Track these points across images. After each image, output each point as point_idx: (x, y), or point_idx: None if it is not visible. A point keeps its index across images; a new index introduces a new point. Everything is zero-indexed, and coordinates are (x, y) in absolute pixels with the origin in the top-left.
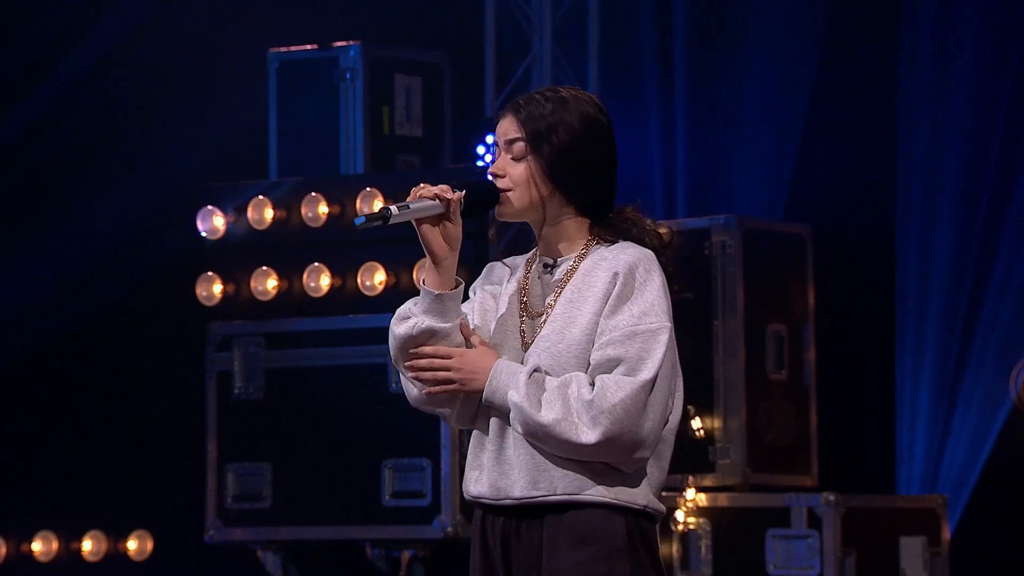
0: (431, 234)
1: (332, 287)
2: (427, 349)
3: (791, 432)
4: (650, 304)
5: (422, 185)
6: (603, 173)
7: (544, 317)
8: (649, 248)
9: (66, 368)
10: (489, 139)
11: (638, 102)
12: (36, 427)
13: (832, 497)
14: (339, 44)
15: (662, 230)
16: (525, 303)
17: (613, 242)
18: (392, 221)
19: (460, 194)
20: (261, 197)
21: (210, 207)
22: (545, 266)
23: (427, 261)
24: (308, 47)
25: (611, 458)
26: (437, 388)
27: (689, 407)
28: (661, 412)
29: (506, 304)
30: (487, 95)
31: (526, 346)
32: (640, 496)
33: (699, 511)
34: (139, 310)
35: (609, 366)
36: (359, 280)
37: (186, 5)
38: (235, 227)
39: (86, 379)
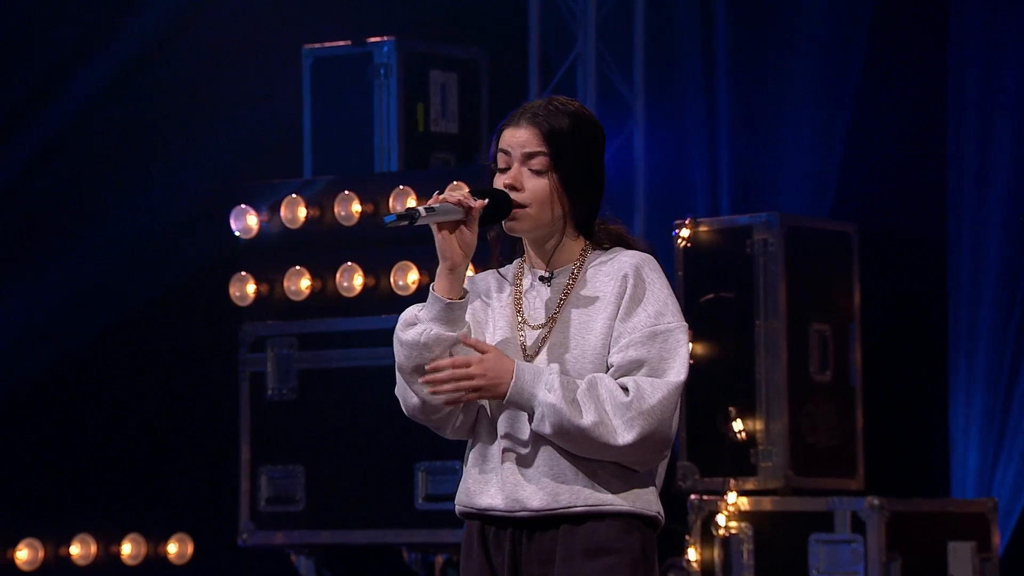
0: (448, 240)
1: (365, 287)
2: (445, 361)
3: (836, 434)
4: (663, 303)
5: (455, 183)
6: (600, 190)
7: (549, 327)
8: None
9: (101, 370)
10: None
11: (681, 98)
12: (72, 429)
13: (876, 501)
14: (373, 40)
15: (644, 241)
16: (522, 314)
17: (607, 249)
18: (418, 223)
19: (482, 202)
20: (294, 196)
21: (243, 206)
22: (541, 278)
23: (440, 267)
24: (342, 43)
25: (639, 459)
26: (464, 397)
27: (731, 408)
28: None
29: (501, 316)
30: (531, 92)
31: (528, 357)
32: (654, 503)
33: (741, 515)
34: (173, 311)
35: (632, 368)
36: (392, 279)
37: (221, 2)
38: (268, 226)
39: (121, 380)
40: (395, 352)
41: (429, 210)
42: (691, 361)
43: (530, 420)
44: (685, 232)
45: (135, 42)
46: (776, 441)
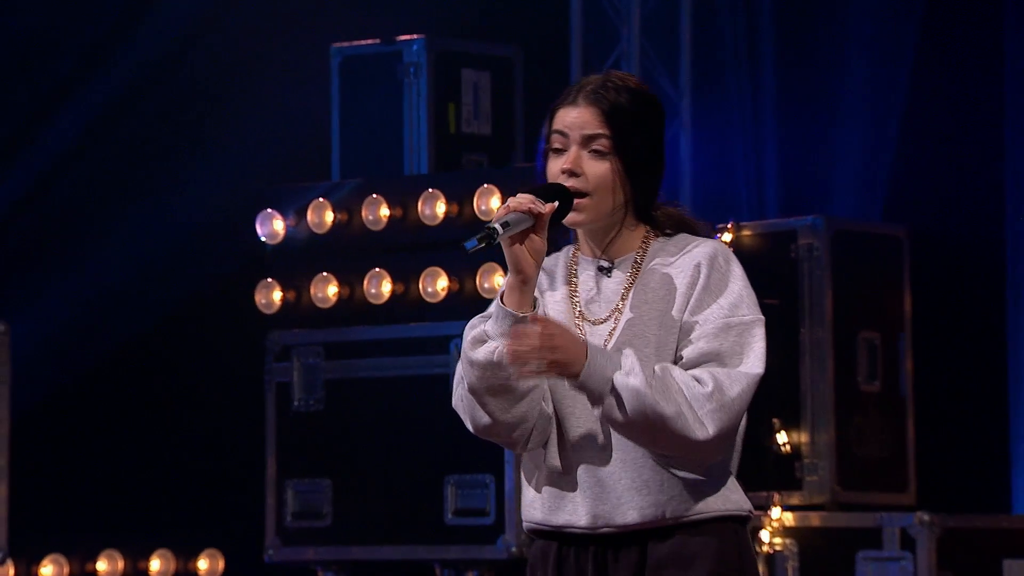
0: (520, 251)
1: (393, 293)
2: (532, 328)
3: (885, 447)
4: (739, 295)
5: (521, 196)
6: (661, 175)
7: (614, 322)
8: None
9: (124, 382)
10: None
11: (726, 96)
12: (96, 442)
13: (927, 517)
14: (403, 38)
15: (707, 225)
16: (580, 310)
17: (670, 235)
18: (498, 240)
19: (552, 205)
20: (321, 199)
21: (269, 210)
22: (600, 269)
23: (509, 279)
24: (371, 41)
25: (712, 456)
26: (544, 371)
27: (775, 420)
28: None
29: (555, 312)
30: None
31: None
32: (743, 499)
33: (785, 531)
34: (198, 319)
35: (703, 360)
36: (421, 286)
37: (246, 0)
38: (295, 231)
39: (145, 392)
40: (464, 372)
41: (505, 225)
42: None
43: (593, 405)
44: (727, 236)
45: (159, 42)
46: (822, 454)
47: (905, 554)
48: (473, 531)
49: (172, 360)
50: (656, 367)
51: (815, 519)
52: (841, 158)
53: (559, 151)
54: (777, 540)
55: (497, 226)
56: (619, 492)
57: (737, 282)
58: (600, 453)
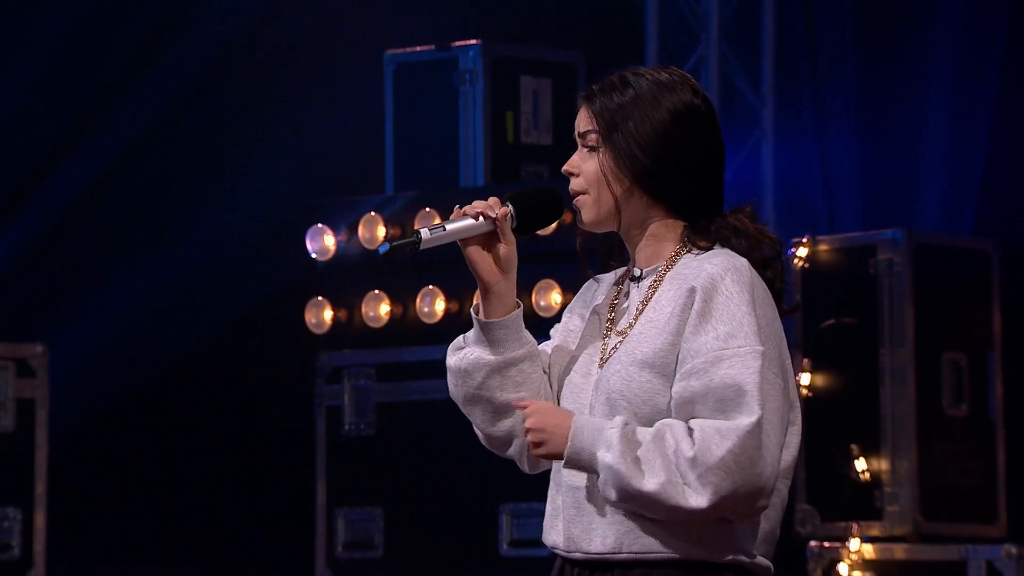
0: (478, 257)
1: (447, 312)
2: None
3: (972, 475)
4: (739, 322)
5: (478, 201)
6: (697, 167)
7: (623, 336)
8: (747, 257)
9: (169, 407)
10: None
11: (808, 103)
12: (140, 469)
13: (1015, 549)
14: (459, 43)
15: (773, 237)
16: (611, 320)
17: (706, 249)
18: (424, 246)
19: (505, 209)
20: (373, 214)
21: (320, 225)
22: (633, 278)
23: (479, 287)
24: (425, 48)
25: (731, 515)
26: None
27: (853, 446)
28: (777, 451)
29: (593, 322)
30: None
31: (604, 364)
32: (725, 549)
33: (865, 564)
34: (246, 339)
35: (692, 401)
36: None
37: (298, 5)
38: (347, 247)
39: (191, 416)
40: (448, 379)
41: (436, 229)
42: (805, 393)
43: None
44: (802, 251)
45: (208, 52)
46: (903, 482)
47: None
48: (529, 562)
49: (217, 383)
50: (655, 428)
51: (896, 551)
52: (928, 169)
53: None
54: (856, 574)
55: (423, 231)
56: (591, 517)
57: (741, 307)
58: (580, 475)
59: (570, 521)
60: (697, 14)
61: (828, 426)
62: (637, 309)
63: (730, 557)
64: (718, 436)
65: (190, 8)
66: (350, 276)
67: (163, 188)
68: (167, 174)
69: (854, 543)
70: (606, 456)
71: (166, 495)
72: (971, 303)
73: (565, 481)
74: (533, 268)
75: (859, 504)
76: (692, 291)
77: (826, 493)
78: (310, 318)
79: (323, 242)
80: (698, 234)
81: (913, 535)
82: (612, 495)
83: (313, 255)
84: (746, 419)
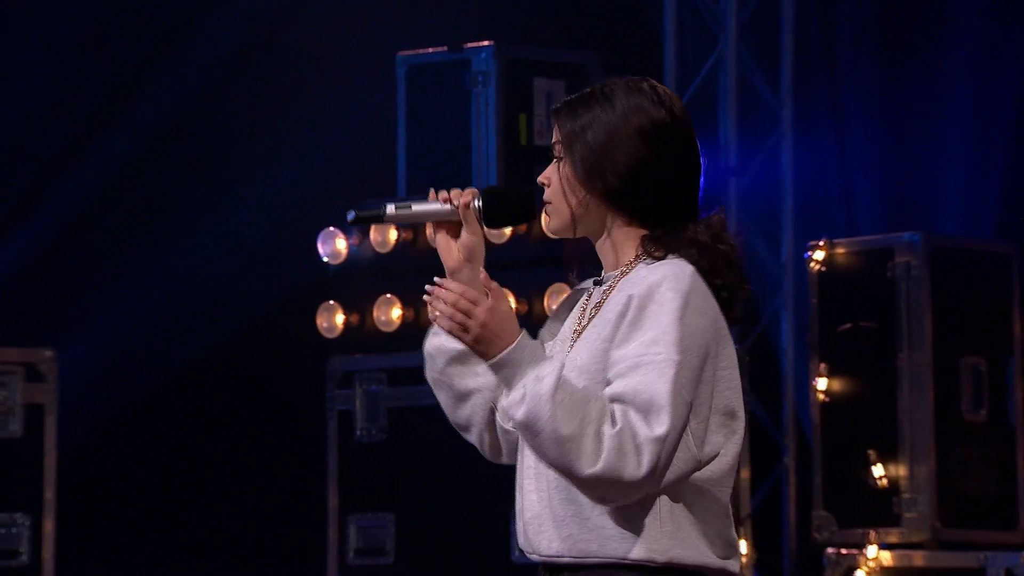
0: (443, 242)
1: None
2: (458, 287)
3: (992, 481)
4: (663, 331)
5: (455, 189)
6: (662, 181)
7: (576, 338)
8: (694, 264)
9: (179, 413)
10: None
11: (827, 104)
12: (150, 475)
13: None
14: (471, 45)
15: (730, 245)
16: (579, 325)
17: (661, 258)
18: (387, 220)
19: (467, 199)
20: None
21: (332, 228)
22: (596, 283)
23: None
24: (437, 49)
25: (594, 496)
26: (455, 332)
27: (871, 451)
28: (669, 460)
29: (569, 322)
30: None
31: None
32: (666, 551)
33: (883, 571)
34: (257, 344)
35: (613, 401)
36: None
37: (309, 7)
38: (358, 250)
39: (200, 421)
40: None
41: (402, 206)
42: (822, 398)
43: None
44: (819, 255)
45: (218, 55)
46: (922, 488)
47: None
48: None
49: (228, 387)
50: (587, 388)
51: (915, 558)
52: (949, 171)
53: None
54: None
55: (389, 207)
56: (542, 520)
57: (669, 315)
58: (535, 476)
59: (526, 524)
60: (715, 14)
61: (845, 431)
62: (590, 316)
63: (703, 564)
64: (631, 435)
65: (200, 13)
66: (362, 280)
67: (174, 192)
68: (178, 178)
69: (871, 550)
70: (536, 384)
71: (176, 501)
72: (991, 307)
73: (525, 485)
74: (545, 272)
75: (877, 510)
76: (630, 299)
77: (843, 499)
78: (321, 322)
79: (335, 246)
80: (653, 243)
81: (931, 542)
82: (519, 415)
83: (325, 259)
84: (657, 430)
